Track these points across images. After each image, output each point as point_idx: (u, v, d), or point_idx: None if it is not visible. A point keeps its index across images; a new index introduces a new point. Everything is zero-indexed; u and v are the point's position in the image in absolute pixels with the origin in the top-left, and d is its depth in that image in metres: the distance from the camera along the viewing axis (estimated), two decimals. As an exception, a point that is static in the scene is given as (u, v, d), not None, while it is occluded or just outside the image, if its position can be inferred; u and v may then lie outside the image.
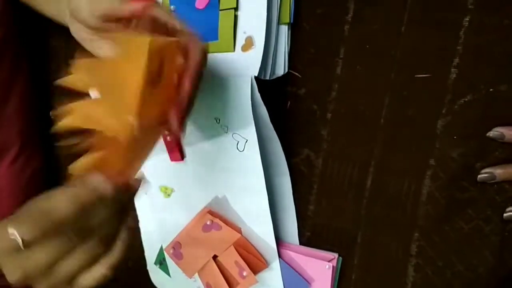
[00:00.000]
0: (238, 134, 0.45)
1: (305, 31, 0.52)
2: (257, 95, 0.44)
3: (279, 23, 0.51)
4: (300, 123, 0.53)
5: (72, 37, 0.51)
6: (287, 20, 0.50)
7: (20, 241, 0.30)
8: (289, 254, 0.51)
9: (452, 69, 0.47)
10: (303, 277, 0.50)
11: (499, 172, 0.46)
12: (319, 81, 0.52)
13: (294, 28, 0.52)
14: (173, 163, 0.49)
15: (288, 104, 0.53)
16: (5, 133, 0.61)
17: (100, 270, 0.35)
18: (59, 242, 0.32)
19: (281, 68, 0.51)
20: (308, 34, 0.52)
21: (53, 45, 0.64)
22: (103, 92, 0.34)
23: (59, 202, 0.32)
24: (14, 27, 0.60)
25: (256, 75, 0.44)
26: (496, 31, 0.45)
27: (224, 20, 0.47)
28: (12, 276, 0.32)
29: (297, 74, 0.52)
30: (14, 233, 0.30)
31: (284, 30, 0.51)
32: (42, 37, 0.64)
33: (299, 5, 0.51)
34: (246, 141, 0.45)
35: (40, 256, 0.32)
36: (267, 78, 0.47)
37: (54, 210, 0.32)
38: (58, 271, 0.33)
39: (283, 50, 0.51)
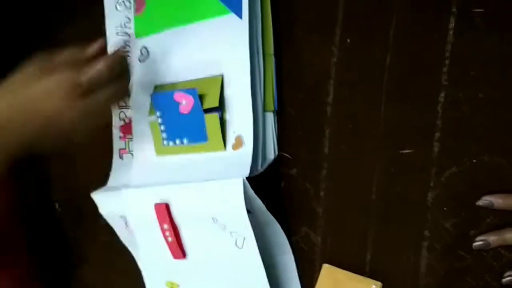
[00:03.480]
0: (236, 232, 0.46)
1: (290, 115, 0.54)
2: (251, 192, 0.46)
3: (264, 111, 0.53)
4: (296, 202, 0.54)
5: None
6: (272, 108, 0.53)
7: None
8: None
9: (435, 143, 0.48)
10: None
11: (493, 239, 0.47)
12: (309, 161, 0.53)
13: (279, 113, 0.54)
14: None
15: (282, 184, 0.55)
16: None
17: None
18: None
19: (271, 153, 0.53)
20: (293, 118, 0.54)
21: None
22: None
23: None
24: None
25: (247, 175, 0.46)
26: (471, 104, 0.47)
27: (210, 122, 0.49)
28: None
29: (287, 155, 0.54)
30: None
31: (270, 117, 0.53)
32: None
33: (282, 92, 0.53)
34: (244, 239, 0.46)
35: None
36: (259, 171, 0.49)
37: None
38: None
39: (271, 136, 0.53)
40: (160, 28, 0.54)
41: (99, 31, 0.59)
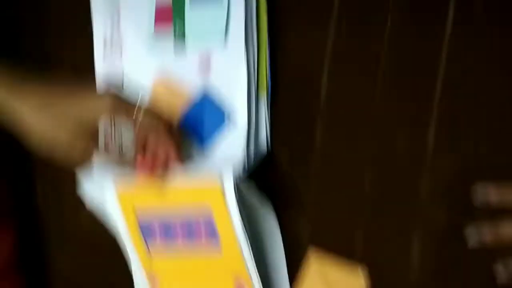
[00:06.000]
0: None
1: (282, 103, 0.52)
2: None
3: (258, 92, 0.52)
4: (285, 193, 0.53)
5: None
6: (265, 90, 0.51)
7: None
8: None
9: (430, 130, 0.47)
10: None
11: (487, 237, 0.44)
12: (300, 151, 0.52)
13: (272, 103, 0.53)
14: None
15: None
16: None
17: None
18: None
19: (263, 133, 0.52)
20: (286, 105, 0.52)
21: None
22: None
23: None
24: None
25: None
26: (471, 93, 0.46)
27: None
28: None
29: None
30: None
31: (263, 99, 0.52)
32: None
33: (275, 79, 0.52)
34: None
35: None
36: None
37: None
38: None
39: (264, 119, 0.52)
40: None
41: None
